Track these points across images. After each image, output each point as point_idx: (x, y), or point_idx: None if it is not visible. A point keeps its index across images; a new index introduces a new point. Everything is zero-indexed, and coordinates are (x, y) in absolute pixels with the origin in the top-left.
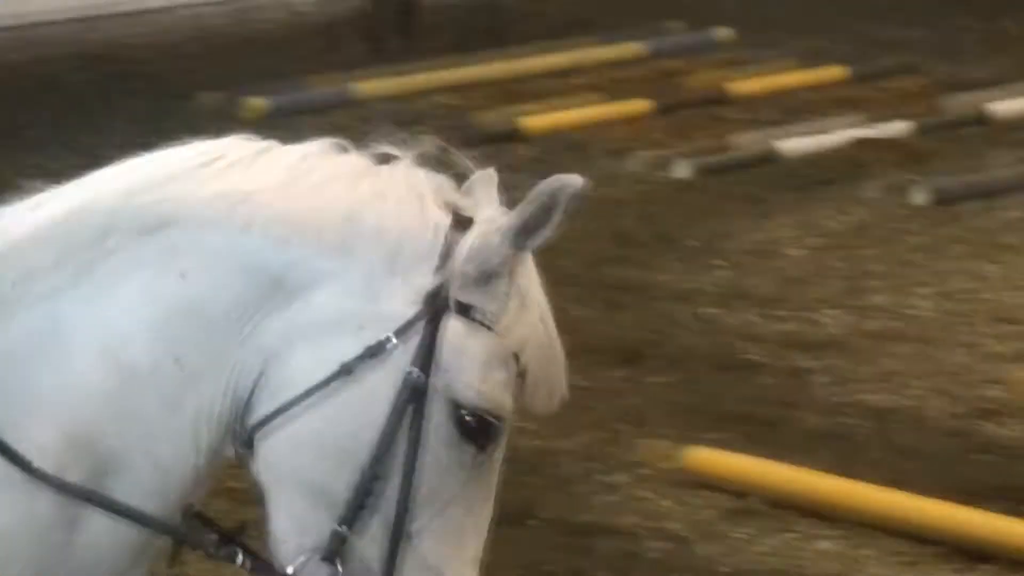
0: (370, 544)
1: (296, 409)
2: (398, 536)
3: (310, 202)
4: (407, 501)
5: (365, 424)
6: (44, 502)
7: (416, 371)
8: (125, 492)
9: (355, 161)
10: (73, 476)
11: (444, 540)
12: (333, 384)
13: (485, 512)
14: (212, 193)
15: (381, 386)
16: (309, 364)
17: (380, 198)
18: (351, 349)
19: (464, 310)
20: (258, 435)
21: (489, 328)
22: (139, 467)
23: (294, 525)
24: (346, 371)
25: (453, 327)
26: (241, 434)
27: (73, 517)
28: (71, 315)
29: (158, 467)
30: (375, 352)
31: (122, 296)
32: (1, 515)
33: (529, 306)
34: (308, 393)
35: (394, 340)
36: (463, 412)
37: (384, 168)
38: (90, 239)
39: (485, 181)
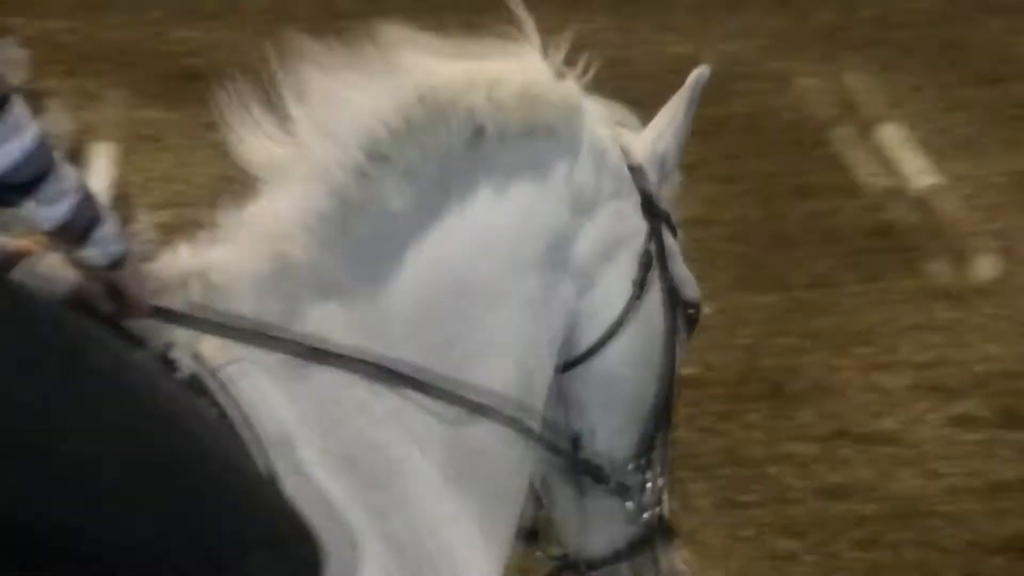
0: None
1: (620, 331)
2: (664, 428)
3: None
4: (672, 398)
5: (657, 333)
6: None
7: (670, 277)
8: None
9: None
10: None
11: None
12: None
13: None
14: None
15: (654, 295)
16: (616, 285)
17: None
18: (632, 264)
19: (666, 218)
20: (582, 362)
21: (675, 231)
22: (539, 396)
23: (611, 442)
24: (641, 286)
25: (667, 234)
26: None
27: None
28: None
29: (541, 397)
30: (649, 266)
31: (506, 209)
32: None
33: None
34: (626, 314)
35: (652, 251)
36: (690, 309)
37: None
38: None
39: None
